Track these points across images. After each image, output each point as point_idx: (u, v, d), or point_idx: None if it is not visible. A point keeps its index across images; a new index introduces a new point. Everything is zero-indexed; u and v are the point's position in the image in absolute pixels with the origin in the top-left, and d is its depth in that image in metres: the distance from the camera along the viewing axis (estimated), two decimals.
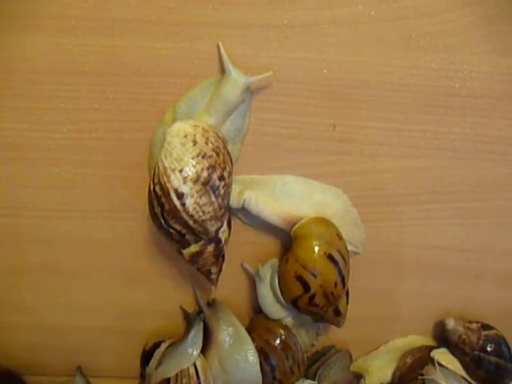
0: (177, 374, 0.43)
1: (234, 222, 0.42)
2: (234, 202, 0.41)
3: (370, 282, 0.48)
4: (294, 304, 0.42)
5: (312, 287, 0.40)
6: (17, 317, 0.49)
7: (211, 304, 0.47)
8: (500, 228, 0.46)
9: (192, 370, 0.44)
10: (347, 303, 0.44)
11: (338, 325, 0.45)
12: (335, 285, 0.40)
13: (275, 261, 0.44)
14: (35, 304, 0.48)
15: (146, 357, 0.47)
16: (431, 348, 0.50)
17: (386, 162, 0.42)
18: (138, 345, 0.49)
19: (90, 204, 0.43)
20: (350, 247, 0.44)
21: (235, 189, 0.41)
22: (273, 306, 0.45)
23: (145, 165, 0.41)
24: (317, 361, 0.50)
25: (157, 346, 0.47)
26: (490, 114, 0.41)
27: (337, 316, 0.43)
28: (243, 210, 0.42)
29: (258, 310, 0.48)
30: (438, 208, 0.45)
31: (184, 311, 0.48)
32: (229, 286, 0.47)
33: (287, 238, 0.43)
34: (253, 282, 0.46)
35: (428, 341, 0.52)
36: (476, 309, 0.50)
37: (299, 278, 0.40)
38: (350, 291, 0.45)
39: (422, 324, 0.51)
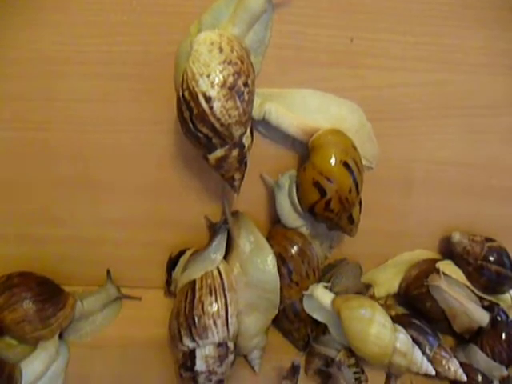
0: (202, 276, 0.47)
1: (254, 135, 0.45)
2: (256, 113, 0.44)
3: (381, 197, 0.51)
4: (310, 211, 0.45)
5: (328, 192, 0.43)
6: (49, 229, 0.52)
7: (234, 215, 0.50)
8: (509, 144, 0.48)
9: (216, 273, 0.48)
10: (360, 212, 0.47)
11: (350, 233, 0.48)
12: (350, 191, 0.43)
13: (293, 172, 0.47)
14: (66, 216, 0.52)
15: (172, 263, 0.52)
16: (437, 261, 0.54)
17: (402, 75, 0.44)
18: (162, 256, 0.54)
19: (118, 117, 0.46)
20: (363, 162, 0.47)
21: (256, 101, 0.43)
22: (290, 215, 0.48)
23: (171, 77, 0.43)
24: (330, 271, 0.54)
25: (182, 253, 0.52)
26: (504, 26, 0.42)
27: (350, 223, 0.46)
28: (263, 123, 0.45)
29: (276, 222, 0.51)
30: (449, 123, 0.47)
31: (208, 221, 0.52)
32: (249, 198, 0.50)
33: (305, 152, 0.46)
34: (272, 195, 0.49)
35: (434, 255, 0.55)
36: (481, 225, 0.53)
37: (316, 184, 0.43)
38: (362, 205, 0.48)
39: (429, 239, 0.55)
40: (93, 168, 0.49)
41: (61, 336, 0.51)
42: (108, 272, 0.54)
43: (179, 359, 0.46)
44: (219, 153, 0.41)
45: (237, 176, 0.43)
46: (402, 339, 0.45)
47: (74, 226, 0.52)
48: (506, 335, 0.49)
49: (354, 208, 0.45)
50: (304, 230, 0.49)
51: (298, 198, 0.46)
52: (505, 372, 0.49)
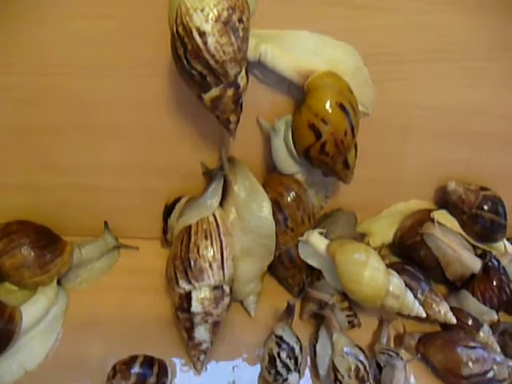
0: (197, 222, 0.48)
1: (250, 79, 0.44)
2: (251, 54, 0.43)
3: (376, 144, 0.51)
4: (306, 154, 0.45)
5: (323, 135, 0.43)
6: (47, 176, 0.52)
7: (230, 161, 0.50)
8: (505, 90, 0.48)
9: (211, 218, 0.48)
10: (355, 157, 0.47)
11: (346, 179, 0.48)
12: (345, 133, 0.43)
13: (290, 117, 0.47)
14: (65, 163, 0.52)
15: (168, 210, 0.52)
16: (431, 210, 0.54)
17: (398, 17, 0.44)
18: (158, 205, 0.54)
19: (114, 60, 0.45)
20: (360, 108, 0.46)
21: (251, 42, 0.43)
22: (286, 161, 0.48)
23: (165, 17, 0.43)
24: (325, 221, 0.54)
25: (177, 200, 0.52)
26: None
27: (346, 168, 0.47)
28: (259, 66, 0.44)
29: (272, 170, 0.51)
30: (445, 67, 0.46)
31: (205, 167, 0.52)
32: (245, 146, 0.50)
33: (301, 97, 0.45)
34: (268, 141, 0.49)
35: (429, 205, 0.56)
36: (476, 174, 0.53)
37: (312, 127, 0.43)
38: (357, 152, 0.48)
39: (424, 189, 0.55)
40: (91, 115, 0.48)
41: (60, 283, 0.52)
42: (105, 222, 0.55)
43: (176, 302, 0.47)
44: (214, 92, 0.40)
45: (232, 118, 0.43)
46: (395, 282, 0.45)
47: (72, 173, 0.52)
48: (497, 281, 0.50)
49: (350, 152, 0.45)
50: (300, 177, 0.50)
51: (294, 142, 0.46)
52: (495, 316, 0.50)
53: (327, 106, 0.42)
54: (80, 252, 0.52)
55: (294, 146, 0.46)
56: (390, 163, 0.53)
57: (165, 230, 0.54)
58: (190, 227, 0.48)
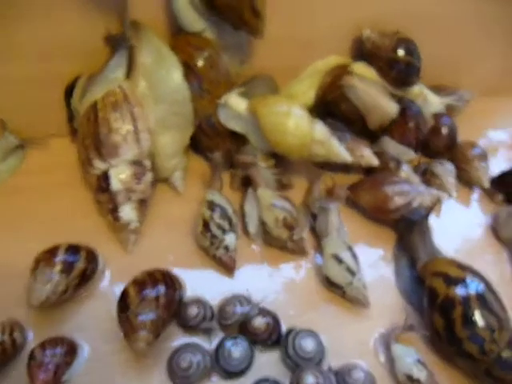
0: (103, 96, 0.43)
1: None
2: None
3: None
4: (210, 2, 0.41)
5: None
6: None
7: (132, 26, 0.44)
8: None
9: (118, 90, 0.43)
10: (264, 2, 0.43)
11: (257, 31, 0.45)
12: None
13: None
14: None
15: (69, 91, 0.47)
16: (349, 65, 0.53)
17: None
18: (60, 96, 0.48)
19: None
20: None
21: None
22: (190, 15, 0.44)
23: None
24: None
25: (77, 78, 0.46)
26: None
27: (255, 16, 0.43)
28: None
29: (178, 31, 0.47)
30: None
31: (108, 32, 0.45)
32: (147, 7, 0.45)
33: None
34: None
35: (346, 60, 0.54)
36: (389, 20, 0.52)
37: None
38: None
39: (340, 43, 0.54)
40: None
41: None
42: (1, 119, 0.48)
43: (94, 184, 0.43)
44: None
45: None
46: (320, 128, 0.44)
47: None
48: (413, 122, 0.51)
49: None
50: (209, 35, 0.46)
51: None
52: (413, 154, 0.52)
53: None
54: None
55: None
56: (302, 20, 0.50)
57: (70, 117, 0.48)
58: (95, 103, 0.43)
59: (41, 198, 0.47)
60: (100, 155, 0.42)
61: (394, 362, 0.37)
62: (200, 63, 0.45)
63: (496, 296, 0.39)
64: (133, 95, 0.43)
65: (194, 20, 0.44)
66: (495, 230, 0.50)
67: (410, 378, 0.36)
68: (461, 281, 0.38)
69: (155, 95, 0.44)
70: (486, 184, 0.53)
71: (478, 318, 0.36)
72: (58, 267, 0.38)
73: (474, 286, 0.38)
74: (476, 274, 0.39)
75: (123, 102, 0.42)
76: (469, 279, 0.38)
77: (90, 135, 0.42)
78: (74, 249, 0.40)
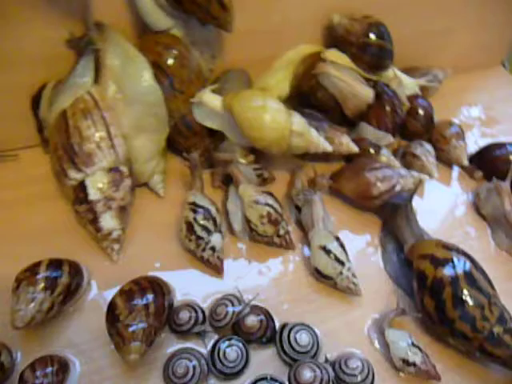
0: (72, 104, 0.42)
1: None
2: None
3: None
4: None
5: None
6: None
7: (97, 28, 0.43)
8: None
9: (87, 96, 0.42)
10: None
11: (226, 25, 0.44)
12: None
13: None
14: None
15: (35, 102, 0.45)
16: (321, 53, 0.52)
17: None
18: (27, 107, 0.47)
19: None
20: None
21: None
22: (155, 13, 0.43)
23: None
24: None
25: (43, 87, 0.45)
26: None
27: (222, 9, 0.42)
28: None
29: (145, 31, 0.45)
30: None
31: (71, 34, 0.43)
32: (111, 8, 0.43)
33: None
34: None
35: (318, 48, 0.53)
36: (357, 5, 0.52)
37: None
38: None
39: (310, 32, 0.53)
40: None
41: None
42: None
43: (71, 196, 0.42)
44: None
45: None
46: (297, 120, 0.44)
47: None
48: (389, 105, 0.51)
49: None
50: (177, 32, 0.44)
51: None
52: (391, 138, 0.52)
53: None
54: None
55: None
56: (271, 11, 0.49)
57: (40, 128, 0.47)
58: (64, 112, 0.42)
59: (17, 214, 0.45)
60: (74, 165, 0.40)
61: (388, 347, 0.38)
62: (170, 62, 0.43)
63: (483, 273, 0.39)
64: (103, 100, 0.42)
65: (159, 18, 0.43)
66: (477, 207, 0.51)
67: (406, 361, 0.37)
68: (448, 261, 0.39)
69: (126, 98, 0.43)
70: (465, 162, 0.53)
71: (468, 296, 0.37)
72: (41, 285, 0.37)
73: (461, 266, 0.39)
74: (462, 253, 0.40)
75: (93, 108, 0.41)
76: (455, 259, 0.39)
77: (62, 145, 0.40)
78: (56, 264, 0.39)
